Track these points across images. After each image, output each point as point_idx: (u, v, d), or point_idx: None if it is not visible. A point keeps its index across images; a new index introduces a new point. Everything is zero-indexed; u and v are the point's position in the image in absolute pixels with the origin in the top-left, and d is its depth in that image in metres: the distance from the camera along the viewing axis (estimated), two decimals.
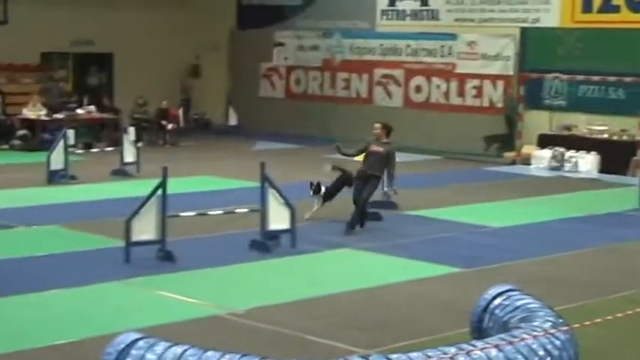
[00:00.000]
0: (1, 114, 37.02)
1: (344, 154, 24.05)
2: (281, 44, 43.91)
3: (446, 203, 26.05)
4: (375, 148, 22.64)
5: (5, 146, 35.64)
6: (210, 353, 10.93)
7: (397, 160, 26.99)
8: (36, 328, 15.13)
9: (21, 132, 37.45)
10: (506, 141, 36.19)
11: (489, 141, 36.49)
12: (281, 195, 20.58)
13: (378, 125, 22.70)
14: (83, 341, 14.22)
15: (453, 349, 11.29)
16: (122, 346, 11.16)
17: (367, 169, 22.68)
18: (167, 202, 19.24)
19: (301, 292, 17.36)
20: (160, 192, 19.21)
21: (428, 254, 20.20)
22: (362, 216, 22.51)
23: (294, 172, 28.73)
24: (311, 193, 23.27)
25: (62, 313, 16.11)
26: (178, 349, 11.05)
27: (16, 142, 36.82)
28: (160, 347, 11.10)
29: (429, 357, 11.00)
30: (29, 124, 37.76)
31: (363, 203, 22.42)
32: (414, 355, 11.10)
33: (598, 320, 13.31)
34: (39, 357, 13.81)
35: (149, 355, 10.95)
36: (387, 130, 22.62)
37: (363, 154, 23.09)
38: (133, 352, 11.06)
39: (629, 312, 14.35)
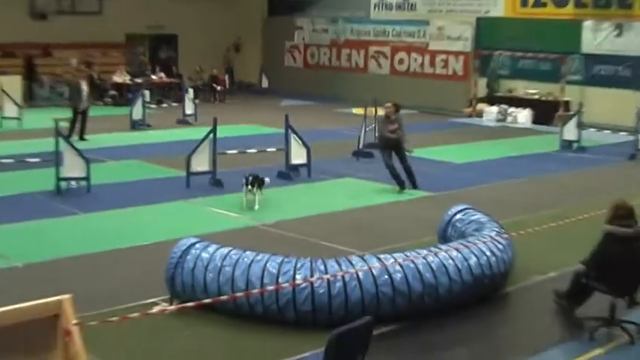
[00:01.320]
0: (97, 79, 36.92)
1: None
2: (300, 28, 43.84)
3: (420, 145, 25.92)
4: (390, 127, 19.50)
5: (100, 103, 35.59)
6: (248, 252, 11.05)
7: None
8: (124, 234, 15.27)
9: (111, 92, 37.44)
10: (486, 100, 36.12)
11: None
12: (300, 138, 20.67)
13: (389, 104, 20.01)
14: (157, 243, 14.38)
15: (424, 251, 11.42)
16: (184, 247, 11.29)
17: (393, 141, 19.53)
18: (217, 143, 19.33)
19: (314, 209, 17.46)
20: (211, 136, 19.32)
21: (407, 182, 20.23)
22: (412, 175, 19.87)
23: (310, 121, 28.65)
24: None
25: (142, 223, 16.26)
26: (225, 250, 11.18)
27: (108, 99, 36.84)
28: (212, 248, 11.23)
29: (407, 256, 11.12)
30: (117, 86, 37.79)
31: (407, 165, 19.77)
32: (396, 254, 11.23)
33: (530, 230, 13.35)
34: (127, 254, 14.02)
35: (204, 254, 11.08)
36: (397, 107, 20.07)
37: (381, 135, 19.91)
38: (192, 251, 11.19)
39: (553, 224, 14.36)
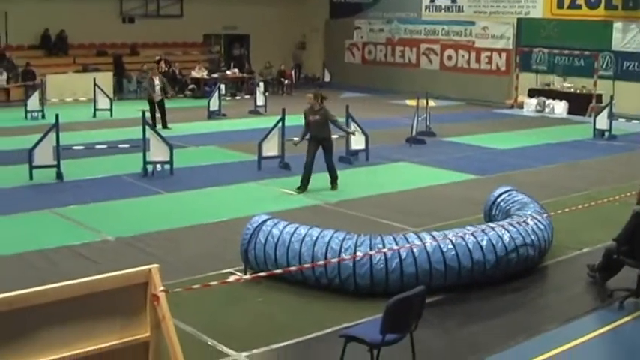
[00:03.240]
0: (178, 74, 37.16)
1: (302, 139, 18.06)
2: (359, 28, 43.71)
3: (467, 133, 25.85)
4: (311, 118, 17.21)
5: (180, 95, 35.79)
6: (314, 229, 11.07)
7: (435, 104, 26.95)
8: (203, 211, 15.37)
9: (190, 86, 37.61)
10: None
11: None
12: (359, 126, 20.62)
13: (310, 95, 17.80)
14: (232, 220, 14.47)
15: (472, 228, 11.35)
16: (256, 223, 11.34)
17: (317, 134, 17.24)
18: (285, 130, 19.37)
19: (372, 190, 17.42)
20: (280, 124, 19.36)
21: (455, 166, 20.12)
22: (334, 175, 17.68)
23: (368, 111, 28.55)
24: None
25: (219, 202, 16.35)
26: (293, 226, 11.22)
27: (188, 92, 37.00)
28: (282, 225, 11.27)
29: (457, 233, 11.07)
30: (196, 80, 37.94)
31: (330, 163, 17.64)
32: (447, 231, 11.19)
33: (566, 210, 13.23)
34: (205, 229, 14.13)
35: (274, 230, 11.12)
36: (319, 97, 17.39)
37: (306, 124, 17.39)
38: (264, 228, 11.23)
39: (587, 205, 14.25)
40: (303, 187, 17.23)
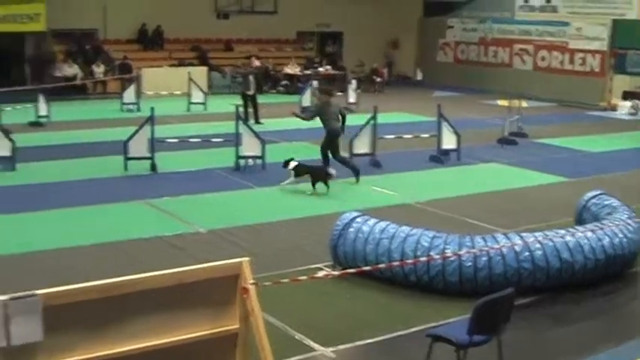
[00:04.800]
0: (271, 70, 37.40)
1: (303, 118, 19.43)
2: (451, 27, 43.48)
3: (559, 135, 25.48)
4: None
5: (274, 91, 36.01)
6: (403, 227, 11.04)
7: (528, 105, 26.64)
8: (293, 206, 15.50)
9: (284, 82, 37.84)
10: None
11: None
12: (451, 125, 20.47)
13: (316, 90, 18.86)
14: (321, 215, 14.55)
15: (562, 231, 11.19)
16: (346, 220, 11.34)
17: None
18: (376, 128, 19.33)
19: (462, 190, 17.27)
20: (372, 122, 19.32)
21: (546, 168, 19.84)
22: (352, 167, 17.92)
23: (459, 111, 28.33)
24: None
25: (309, 198, 16.38)
26: (384, 223, 11.19)
27: (281, 88, 37.22)
28: (372, 221, 11.25)
29: (547, 235, 10.92)
30: (289, 77, 38.16)
31: (339, 158, 18.02)
32: (537, 233, 11.05)
33: None
34: (295, 224, 14.22)
35: (364, 227, 11.11)
36: (324, 92, 19.12)
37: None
38: (354, 224, 11.22)
39: None
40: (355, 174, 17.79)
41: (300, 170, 16.87)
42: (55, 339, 5.98)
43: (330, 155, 17.99)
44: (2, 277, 10.95)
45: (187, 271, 6.56)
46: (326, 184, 16.69)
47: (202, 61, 37.97)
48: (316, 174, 16.81)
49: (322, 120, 18.10)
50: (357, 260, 10.90)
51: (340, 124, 17.99)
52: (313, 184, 16.72)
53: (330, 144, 17.96)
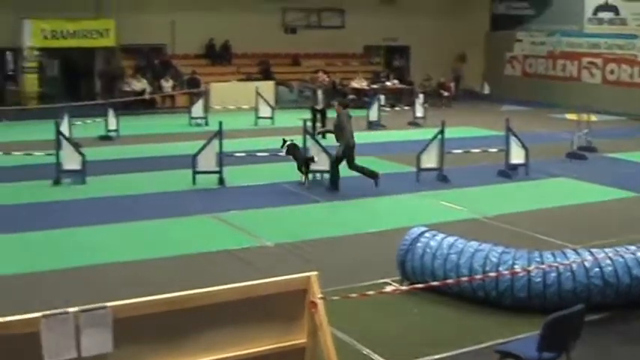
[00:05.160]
0: (338, 85, 37.43)
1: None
2: (519, 40, 43.15)
3: (629, 149, 25.09)
4: (334, 122, 18.73)
5: None
6: (472, 242, 10.95)
7: (597, 119, 26.32)
8: (361, 220, 15.46)
9: (350, 96, 37.81)
10: None
11: None
12: (519, 140, 20.29)
13: (335, 103, 19.27)
14: (389, 230, 14.45)
15: (633, 247, 11.01)
16: (414, 235, 11.29)
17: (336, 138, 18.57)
18: (444, 142, 19.24)
19: (530, 205, 17.08)
20: (439, 136, 19.24)
21: (617, 183, 19.50)
22: (332, 176, 18.26)
23: (528, 125, 28.05)
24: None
25: (376, 212, 16.39)
26: (452, 238, 11.13)
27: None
28: (440, 237, 11.19)
29: (617, 251, 10.76)
30: (356, 91, 38.18)
31: (331, 163, 18.23)
32: (607, 249, 10.88)
33: None
34: (363, 239, 14.19)
35: (432, 242, 11.06)
36: (341, 104, 18.93)
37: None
38: (422, 239, 11.17)
39: None
40: (332, 187, 18.15)
41: (290, 150, 18.79)
42: (125, 351, 6.04)
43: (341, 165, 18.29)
44: (72, 289, 11.09)
45: (256, 284, 6.59)
46: (307, 170, 18.29)
47: (265, 75, 38.15)
48: (299, 158, 18.59)
49: (339, 132, 18.29)
50: (424, 275, 10.85)
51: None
52: (299, 168, 18.43)
53: (344, 155, 18.21)
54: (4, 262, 12.54)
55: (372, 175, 18.34)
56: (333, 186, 18.18)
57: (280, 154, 19.12)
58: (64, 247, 13.53)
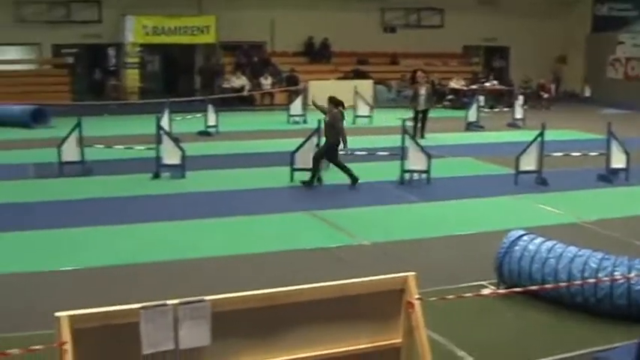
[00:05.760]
0: (437, 85, 37.24)
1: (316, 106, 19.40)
2: (622, 42, 42.32)
3: None
4: (325, 118, 18.29)
5: (439, 105, 35.79)
6: (571, 247, 10.77)
7: None
8: (457, 222, 15.32)
9: (449, 96, 37.73)
10: None
11: None
12: (620, 144, 19.89)
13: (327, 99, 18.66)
14: (486, 232, 14.29)
15: None
16: (513, 238, 11.15)
17: (325, 134, 18.36)
18: (543, 145, 18.97)
19: (631, 211, 16.64)
20: (539, 139, 18.97)
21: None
22: (314, 172, 18.21)
23: (630, 129, 27.45)
24: None
25: (473, 214, 16.22)
26: (550, 243, 10.96)
27: (446, 103, 37.11)
28: (538, 240, 11.03)
29: None
30: (454, 91, 38.04)
31: (314, 158, 18.19)
32: None
33: None
34: (459, 240, 14.06)
35: (530, 246, 10.90)
36: (332, 102, 18.36)
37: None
38: (520, 242, 11.02)
39: None
40: (308, 181, 18.08)
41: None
42: (221, 345, 6.09)
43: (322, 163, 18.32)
44: (169, 282, 11.24)
45: (353, 283, 6.59)
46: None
47: (359, 73, 38.16)
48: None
49: (333, 129, 17.99)
50: (522, 279, 10.70)
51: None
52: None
53: (328, 152, 18.17)
54: (103, 253, 12.78)
55: (352, 176, 18.21)
56: (310, 181, 18.11)
57: None
58: (162, 240, 13.71)
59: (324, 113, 18.54)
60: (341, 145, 18.07)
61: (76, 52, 39.69)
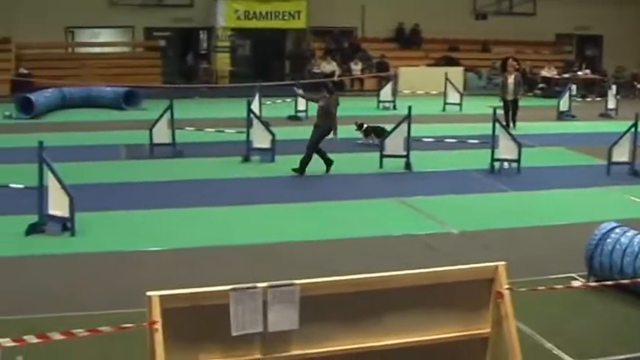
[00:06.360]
0: (528, 73, 36.80)
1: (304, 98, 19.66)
2: None
3: None
4: (320, 102, 17.92)
5: (530, 94, 35.38)
6: None
7: None
8: (548, 212, 15.11)
9: (540, 85, 37.27)
10: None
11: None
12: None
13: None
14: (575, 224, 14.01)
15: None
16: (604, 230, 10.96)
17: (318, 120, 17.98)
18: (637, 136, 18.59)
19: None
20: (632, 129, 18.60)
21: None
22: (306, 159, 17.82)
23: None
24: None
25: (563, 204, 15.99)
26: None
27: (537, 91, 36.68)
28: (630, 233, 10.84)
29: None
30: (546, 80, 37.56)
31: (308, 147, 17.80)
32: None
33: None
34: (548, 231, 13.83)
35: (622, 239, 10.71)
36: (327, 88, 18.18)
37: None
38: (612, 235, 10.85)
39: None
40: (300, 169, 17.70)
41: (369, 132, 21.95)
42: (310, 329, 6.11)
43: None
44: (257, 265, 11.33)
45: (443, 271, 6.56)
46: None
47: (450, 60, 37.92)
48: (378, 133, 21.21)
49: (327, 115, 17.72)
50: (612, 272, 10.51)
51: None
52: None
53: (319, 139, 17.82)
54: (192, 234, 12.95)
55: (328, 162, 18.06)
56: (301, 168, 17.76)
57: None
58: (251, 223, 13.83)
59: (315, 102, 18.40)
60: (331, 134, 17.87)
61: (168, 35, 40.20)
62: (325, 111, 17.78)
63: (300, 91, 19.75)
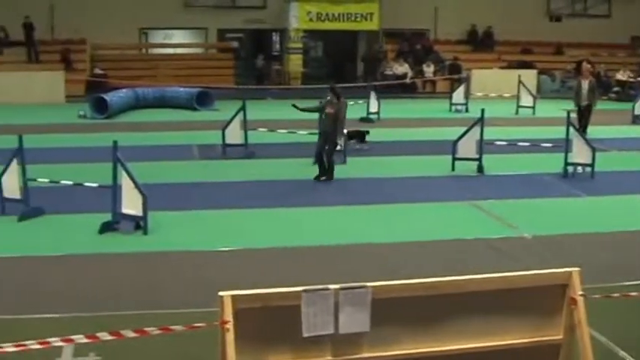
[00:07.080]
0: (603, 76, 36.30)
1: (303, 110, 18.47)
2: None
3: None
4: (328, 109, 17.15)
5: (605, 97, 34.86)
6: None
7: None
8: (623, 218, 14.85)
9: (615, 89, 36.75)
10: None
11: None
12: None
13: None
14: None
15: None
16: None
17: (324, 128, 17.28)
18: None
19: None
20: None
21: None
22: (330, 169, 17.42)
23: None
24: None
25: (637, 209, 15.64)
26: None
27: (612, 95, 36.15)
28: None
29: None
30: (621, 83, 37.02)
31: (328, 157, 17.33)
32: None
33: None
34: (626, 237, 13.58)
35: None
36: (335, 92, 17.33)
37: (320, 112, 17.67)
38: None
39: None
40: (320, 174, 17.32)
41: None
42: (380, 331, 6.12)
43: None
44: (327, 266, 11.35)
45: (515, 276, 6.50)
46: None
47: (523, 63, 37.57)
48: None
49: (335, 121, 17.21)
50: None
51: None
52: None
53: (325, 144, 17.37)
54: (263, 235, 13.04)
55: (323, 172, 17.48)
56: (329, 174, 17.42)
57: None
58: (322, 224, 13.86)
59: (317, 111, 17.88)
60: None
61: (241, 36, 40.47)
62: (334, 117, 17.24)
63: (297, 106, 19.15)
